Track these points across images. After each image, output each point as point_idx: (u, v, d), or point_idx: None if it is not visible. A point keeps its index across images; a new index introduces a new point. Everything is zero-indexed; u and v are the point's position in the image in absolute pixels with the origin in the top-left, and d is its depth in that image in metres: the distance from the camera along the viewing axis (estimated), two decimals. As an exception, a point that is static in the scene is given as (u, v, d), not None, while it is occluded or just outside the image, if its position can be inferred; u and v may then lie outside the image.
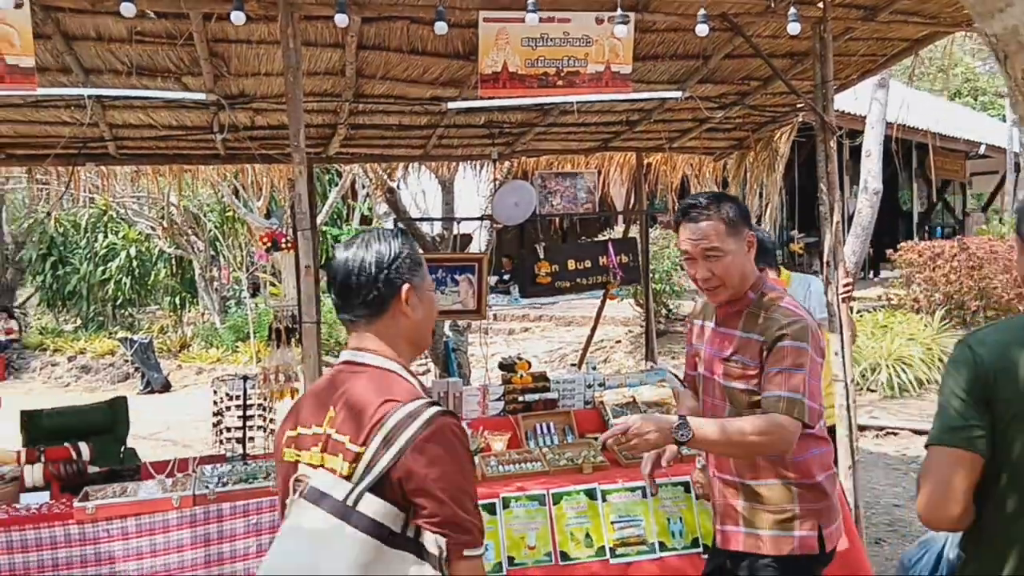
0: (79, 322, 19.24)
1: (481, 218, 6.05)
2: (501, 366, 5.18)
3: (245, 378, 4.35)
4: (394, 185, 7.35)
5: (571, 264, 5.87)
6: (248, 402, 4.39)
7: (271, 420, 4.54)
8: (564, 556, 3.91)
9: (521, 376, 4.90)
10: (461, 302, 5.44)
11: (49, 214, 17.12)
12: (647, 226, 6.62)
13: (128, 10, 3.30)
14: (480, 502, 3.81)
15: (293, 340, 4.00)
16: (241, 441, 4.41)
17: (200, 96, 4.57)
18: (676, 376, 5.40)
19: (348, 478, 1.75)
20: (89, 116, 4.66)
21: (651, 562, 3.98)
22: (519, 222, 5.49)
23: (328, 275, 1.95)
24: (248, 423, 4.39)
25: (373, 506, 1.72)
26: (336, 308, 1.96)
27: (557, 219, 7.26)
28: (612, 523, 4.03)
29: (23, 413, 5.36)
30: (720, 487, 2.84)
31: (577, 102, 4.94)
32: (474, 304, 5.49)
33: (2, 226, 20.61)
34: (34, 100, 4.53)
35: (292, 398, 4.01)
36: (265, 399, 4.22)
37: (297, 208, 3.77)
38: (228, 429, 4.45)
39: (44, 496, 3.84)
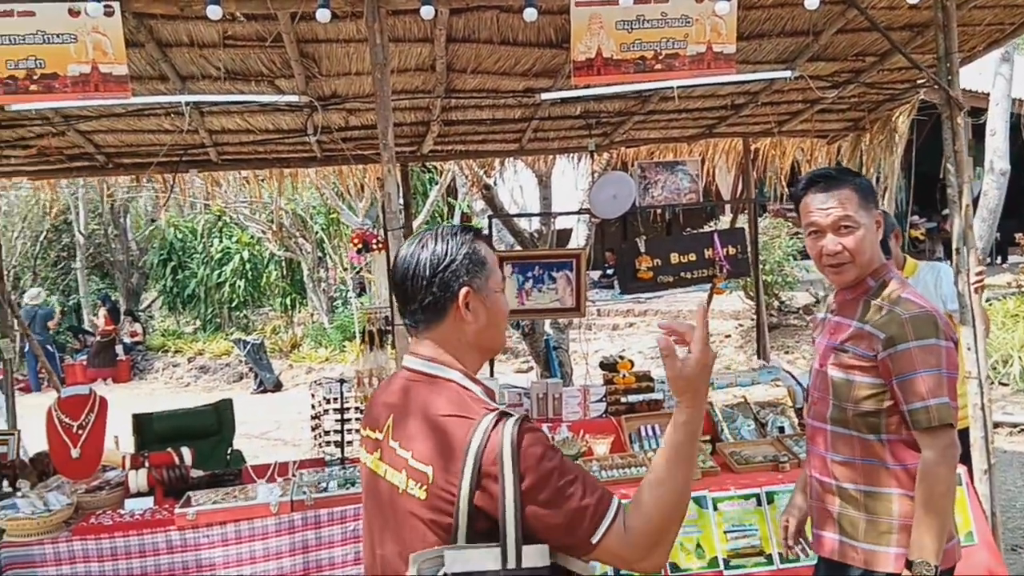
0: (198, 324, 20.02)
1: (579, 212, 5.86)
2: (602, 365, 4.99)
3: (341, 381, 4.30)
4: (490, 181, 7.24)
5: (674, 257, 5.61)
6: (345, 405, 4.34)
7: (368, 424, 4.48)
8: (674, 567, 3.72)
9: (624, 376, 4.70)
10: (559, 300, 5.27)
11: (153, 220, 17.84)
12: (756, 215, 6.27)
13: (215, 12, 3.26)
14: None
15: (387, 343, 3.92)
16: (339, 444, 4.36)
17: (293, 98, 4.56)
18: (791, 374, 5.09)
19: (428, 505, 1.63)
20: (188, 123, 4.71)
21: (769, 574, 3.75)
22: (618, 215, 5.27)
23: (389, 276, 1.84)
24: (345, 426, 4.34)
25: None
26: (400, 312, 1.85)
27: (659, 211, 6.98)
28: (725, 533, 3.81)
29: (135, 417, 5.49)
30: (817, 489, 2.59)
31: (678, 87, 4.70)
32: (573, 302, 5.30)
33: (127, 233, 21.69)
34: (136, 109, 4.61)
35: (387, 402, 3.93)
36: (360, 403, 4.15)
37: (387, 208, 3.68)
38: (326, 432, 4.42)
39: (148, 501, 3.89)
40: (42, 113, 4.39)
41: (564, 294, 5.26)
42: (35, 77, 3.26)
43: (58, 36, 3.25)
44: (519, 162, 6.85)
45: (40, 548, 3.46)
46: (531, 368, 13.15)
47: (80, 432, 4.15)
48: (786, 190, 7.24)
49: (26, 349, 15.23)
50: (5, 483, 4.18)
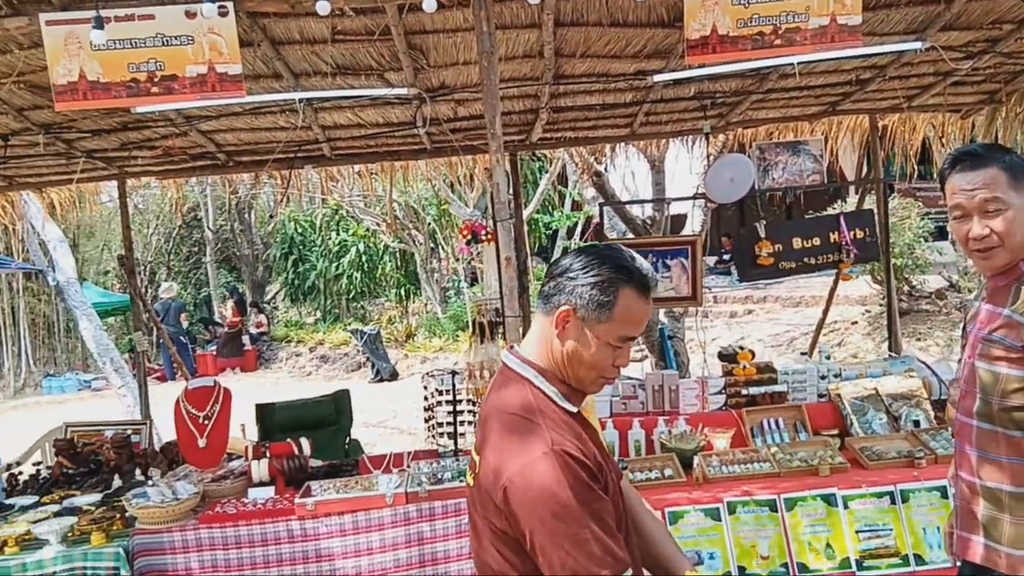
0: (318, 315, 20.67)
1: (694, 197, 5.66)
2: (721, 356, 4.81)
3: (453, 373, 4.29)
4: (601, 168, 7.10)
5: (797, 242, 5.34)
6: (457, 397, 4.33)
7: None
8: (803, 568, 3.56)
9: (744, 367, 4.50)
10: (674, 288, 5.10)
11: (272, 216, 18.43)
12: (885, 196, 5.91)
13: (323, 8, 3.28)
14: (701, 507, 3.51)
15: (498, 334, 3.87)
16: (452, 436, 4.36)
17: (402, 91, 4.56)
18: (925, 364, 4.77)
19: (472, 492, 1.78)
20: (302, 119, 4.80)
21: None
22: (736, 199, 5.05)
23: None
24: (458, 418, 4.33)
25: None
26: None
27: (779, 194, 6.68)
28: (857, 533, 3.62)
29: (258, 406, 5.66)
30: (964, 489, 2.38)
31: (798, 63, 4.45)
32: (688, 290, 5.12)
33: (251, 228, 22.61)
34: (252, 108, 4.72)
35: (498, 395, 3.89)
36: (472, 395, 4.13)
37: (496, 198, 3.63)
38: (439, 424, 4.42)
39: (270, 491, 3.98)
40: (165, 115, 4.54)
41: (679, 282, 5.09)
42: (156, 79, 3.35)
43: (176, 38, 3.33)
44: (631, 147, 6.68)
45: (169, 535, 3.59)
46: (645, 358, 12.92)
47: (206, 423, 4.29)
48: (916, 168, 6.83)
49: (161, 341, 16.13)
50: (138, 471, 4.38)
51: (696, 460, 3.91)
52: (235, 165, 5.73)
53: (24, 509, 3.93)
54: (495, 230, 3.80)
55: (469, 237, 3.83)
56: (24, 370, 18.88)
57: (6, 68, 3.64)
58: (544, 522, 1.58)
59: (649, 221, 7.29)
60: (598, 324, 1.72)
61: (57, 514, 3.79)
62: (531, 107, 5.18)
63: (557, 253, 18.39)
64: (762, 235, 5.22)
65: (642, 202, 7.23)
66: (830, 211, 10.00)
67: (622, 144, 6.47)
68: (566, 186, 15.61)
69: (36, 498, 4.12)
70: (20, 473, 4.58)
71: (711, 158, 6.01)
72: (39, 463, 4.86)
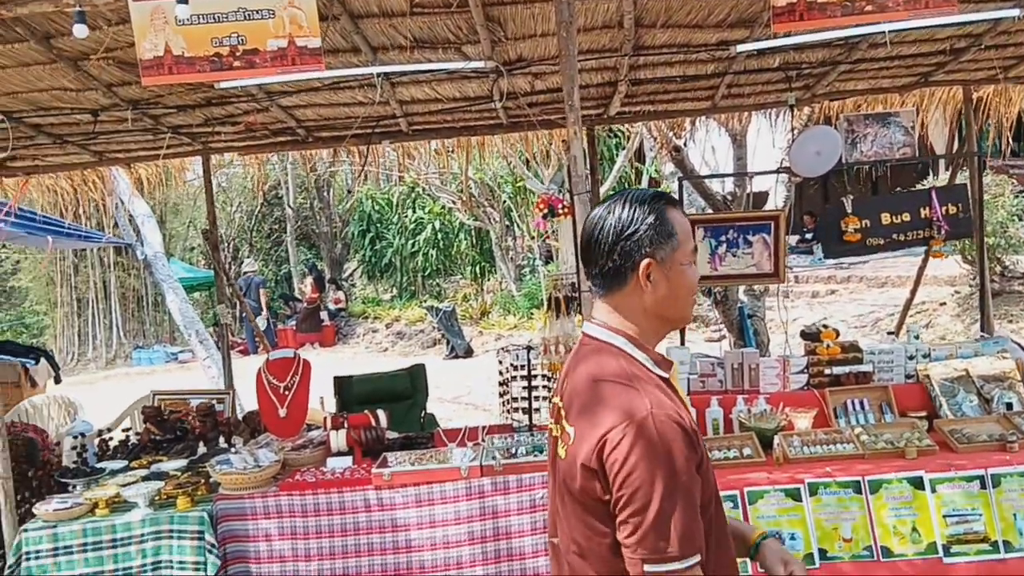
0: (394, 292, 20.94)
1: (777, 171, 5.49)
2: (803, 335, 4.67)
3: (528, 348, 4.27)
4: (680, 143, 6.95)
5: (885, 218, 5.13)
6: (532, 372, 4.31)
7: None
8: (886, 552, 3.45)
9: (828, 346, 4.36)
10: (756, 264, 4.96)
11: (350, 191, 18.62)
12: (980, 170, 5.63)
13: (401, -20, 3.27)
14: (782, 487, 3.42)
15: (573, 310, 3.83)
16: (527, 411, 4.35)
17: (479, 64, 4.53)
18: (1020, 345, 4.55)
19: (566, 465, 1.71)
20: (380, 94, 4.81)
21: (995, 563, 3.44)
22: (821, 174, 4.87)
23: (576, 239, 1.83)
24: (532, 393, 4.32)
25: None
26: (585, 272, 1.83)
27: (865, 169, 6.43)
28: (944, 517, 3.49)
29: (336, 379, 5.75)
30: None
31: (889, 31, 4.25)
32: (770, 266, 4.98)
33: (330, 206, 23.00)
34: (331, 83, 4.75)
35: (574, 370, 3.85)
36: (547, 370, 4.10)
37: (573, 171, 3.58)
38: (514, 399, 4.41)
39: (347, 461, 4.04)
40: (247, 90, 4.61)
41: (761, 259, 4.94)
42: (238, 53, 3.39)
43: (257, 12, 3.36)
44: (711, 121, 6.52)
45: (251, 501, 3.68)
46: (723, 337, 12.70)
47: (286, 393, 4.38)
48: (1010, 144, 6.49)
49: (243, 315, 16.58)
50: (221, 439, 4.50)
51: (776, 440, 3.81)
52: (314, 141, 5.80)
53: (114, 473, 4.08)
54: (571, 204, 3.75)
55: (545, 211, 3.79)
56: (115, 342, 19.69)
57: (95, 44, 3.73)
58: (633, 483, 1.54)
59: (730, 197, 7.10)
60: (673, 254, 1.71)
61: (145, 478, 3.93)
62: (609, 80, 5.09)
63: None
64: (849, 210, 5.03)
65: (723, 176, 7.03)
66: (919, 187, 9.62)
67: (703, 118, 6.31)
68: (643, 163, 15.40)
69: (125, 463, 4.27)
70: (111, 439, 4.76)
71: (795, 132, 5.82)
72: (128, 429, 5.04)
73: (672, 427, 1.57)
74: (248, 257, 20.73)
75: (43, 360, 8.45)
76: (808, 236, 15.56)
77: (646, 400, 1.60)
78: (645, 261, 1.69)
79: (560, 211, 3.77)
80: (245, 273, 18.33)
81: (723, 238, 4.94)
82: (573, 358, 1.81)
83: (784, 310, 7.35)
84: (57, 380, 8.37)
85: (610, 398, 1.62)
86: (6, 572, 3.63)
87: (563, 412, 1.75)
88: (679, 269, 1.72)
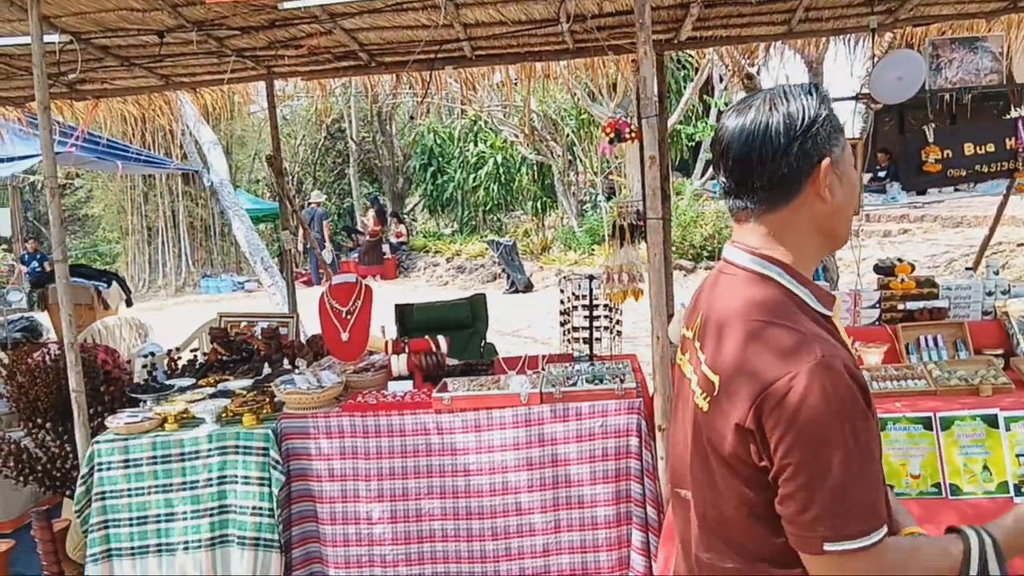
0: (455, 226, 21.00)
1: (856, 97, 5.21)
2: (877, 269, 4.50)
3: (591, 277, 4.20)
4: (753, 71, 6.68)
5: (968, 148, 4.85)
6: (595, 302, 4.24)
7: (617, 321, 4.37)
8: (955, 490, 3.35)
9: (902, 280, 4.19)
10: (830, 196, 4.76)
11: (412, 117, 18.46)
12: (1075, 100, 5.29)
13: None
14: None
15: (638, 238, 3.74)
16: (588, 341, 4.30)
17: (546, -18, 4.38)
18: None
19: (708, 418, 1.44)
20: (443, 16, 4.69)
21: None
22: (903, 100, 4.62)
23: (715, 151, 1.50)
24: (595, 323, 4.26)
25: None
26: (726, 192, 1.51)
27: (946, 100, 6.07)
28: (1017, 456, 3.37)
29: (397, 307, 5.78)
30: None
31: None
32: (845, 199, 4.77)
33: (393, 140, 23.02)
34: (395, 3, 4.65)
35: (636, 299, 3.78)
36: (609, 299, 4.03)
37: (642, 93, 3.45)
38: (575, 329, 4.36)
39: (408, 385, 4.06)
40: (310, 11, 4.55)
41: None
42: (300, -32, 3.32)
43: (319, -76, 3.27)
44: (787, 47, 6.23)
45: (314, 421, 3.73)
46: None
47: (348, 317, 4.40)
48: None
49: (308, 246, 16.84)
50: (286, 361, 4.56)
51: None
52: (377, 66, 5.73)
53: (183, 390, 4.18)
54: (639, 128, 3.63)
55: (612, 135, 3.67)
56: (184, 270, 20.23)
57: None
58: (804, 449, 1.29)
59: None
60: (842, 153, 1.45)
61: (212, 396, 4.01)
62: (681, 1, 4.88)
63: (699, 168, 17.82)
64: (930, 139, 4.77)
65: (798, 103, 6.74)
66: (1006, 117, 9.11)
67: (778, 43, 6.04)
68: (712, 95, 14.97)
69: (193, 380, 4.37)
70: (179, 358, 4.87)
71: (875, 59, 5.53)
72: (196, 350, 5.15)
73: (846, 378, 1.30)
74: (314, 190, 20.92)
75: (115, 283, 8.73)
76: (881, 174, 15.02)
77: (815, 346, 1.32)
78: (825, 162, 1.41)
79: (627, 135, 3.65)
80: (310, 204, 18.56)
81: (796, 168, 4.74)
82: (711, 289, 1.55)
83: (853, 249, 7.11)
84: (128, 303, 8.63)
85: (769, 344, 1.35)
86: (80, 482, 3.77)
87: (700, 354, 1.49)
88: (850, 173, 1.47)
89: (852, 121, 6.93)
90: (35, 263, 14.07)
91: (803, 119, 1.40)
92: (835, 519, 1.29)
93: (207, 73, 5.82)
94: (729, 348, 1.40)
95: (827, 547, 1.30)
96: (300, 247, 16.33)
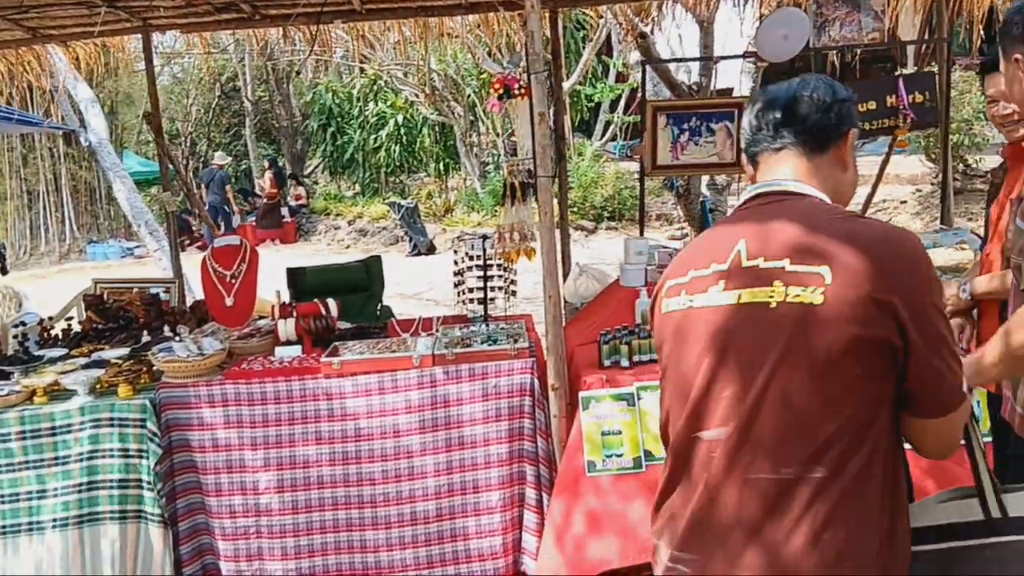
0: (357, 188, 20.57)
1: (744, 56, 5.28)
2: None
3: (484, 237, 4.15)
4: (646, 30, 6.70)
5: (852, 108, 4.99)
6: (488, 262, 4.20)
7: (511, 281, 4.34)
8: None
9: (787, 238, 4.29)
10: (717, 154, 4.83)
11: (298, 73, 17.71)
12: (949, 59, 5.48)
13: None
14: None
15: (529, 197, 3.69)
16: (482, 302, 4.26)
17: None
18: (978, 235, 4.52)
19: (828, 310, 1.48)
20: (328, -34, 4.51)
21: None
22: (789, 58, 4.70)
23: (762, 101, 1.72)
24: (489, 284, 4.22)
25: None
26: (764, 136, 1.70)
27: (832, 59, 6.23)
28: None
29: (289, 271, 5.59)
30: None
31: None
32: (732, 156, 4.85)
33: (291, 99, 22.31)
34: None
35: (529, 259, 3.74)
36: (502, 259, 3.99)
37: (530, 48, 3.38)
38: (470, 290, 4.32)
39: (296, 350, 3.94)
40: (184, -42, 4.30)
41: (723, 148, 4.82)
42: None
43: None
44: (678, 6, 6.27)
45: (195, 390, 3.58)
46: (685, 236, 12.70)
47: (233, 281, 4.24)
48: (982, 38, 6.33)
49: (206, 207, 16.25)
50: (167, 328, 4.37)
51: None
52: (261, 18, 5.46)
53: (53, 361, 3.94)
54: (528, 85, 3.57)
55: (501, 91, 3.59)
56: (68, 236, 19.22)
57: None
58: (938, 307, 1.48)
59: (695, 87, 6.91)
60: (853, 140, 1.70)
61: (85, 367, 3.80)
62: (572, -44, 4.83)
63: (599, 128, 17.93)
64: (815, 99, 4.87)
65: (688, 60, 6.80)
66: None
67: (669, 2, 6.07)
68: (611, 56, 15.02)
69: (65, 351, 4.13)
70: (53, 328, 4.60)
71: (763, 19, 5.61)
72: (71, 319, 4.88)
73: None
74: (218, 151, 20.09)
75: (-13, 251, 8.19)
76: (775, 135, 15.41)
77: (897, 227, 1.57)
78: (853, 131, 1.68)
79: (516, 91, 3.58)
80: (212, 165, 17.85)
81: (685, 126, 4.79)
82: (745, 218, 1.66)
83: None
84: (4, 271, 8.14)
85: (868, 228, 1.52)
86: (-58, 461, 3.53)
87: (768, 263, 1.54)
88: (853, 160, 1.71)
89: (740, 80, 7.05)
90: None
91: (841, 91, 1.67)
92: (950, 372, 1.50)
93: (77, 25, 5.45)
94: (825, 243, 1.50)
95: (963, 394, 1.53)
96: (196, 210, 15.74)
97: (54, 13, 5.05)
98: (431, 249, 14.88)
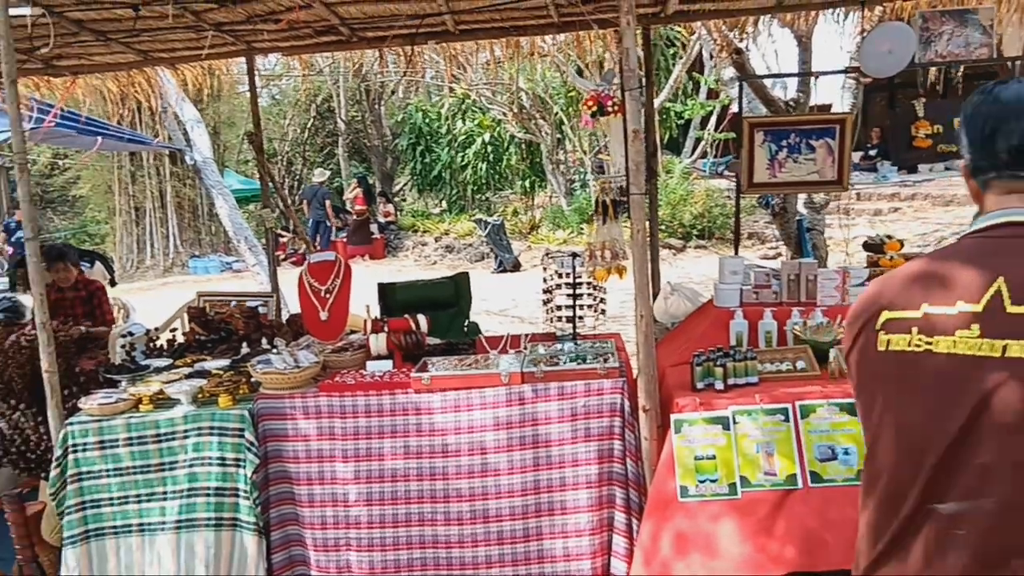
0: (444, 205, 20.85)
1: (846, 71, 5.13)
2: (866, 246, 4.45)
3: (574, 255, 4.12)
4: (742, 45, 6.59)
5: (958, 123, 4.78)
6: (578, 280, 4.17)
7: (600, 299, 4.30)
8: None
9: (891, 258, 4.14)
10: (818, 171, 4.69)
11: (392, 92, 18.08)
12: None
13: None
14: (835, 401, 3.26)
15: (621, 215, 3.66)
16: (571, 320, 4.24)
17: (529, -46, 4.27)
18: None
19: None
20: (425, -12, 4.59)
21: None
22: (892, 74, 4.54)
23: (995, 116, 1.51)
24: (578, 302, 4.19)
25: None
26: (991, 153, 1.50)
27: (933, 75, 5.99)
28: None
29: (380, 286, 5.69)
30: None
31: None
32: (833, 173, 4.71)
33: (382, 119, 22.82)
34: (375, -24, 4.55)
35: (620, 277, 3.70)
36: (591, 277, 3.96)
37: (625, 65, 3.36)
38: (558, 308, 4.29)
39: (387, 364, 3.99)
40: (288, -18, 4.44)
41: (824, 165, 4.68)
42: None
43: None
44: (776, 21, 6.14)
45: (291, 401, 3.66)
46: (778, 255, 12.41)
47: (327, 296, 4.32)
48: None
49: (308, 222, 16.78)
50: (265, 340, 4.49)
51: (832, 353, 3.65)
52: (358, 41, 5.61)
53: (158, 371, 4.10)
54: (623, 101, 3.55)
55: (595, 108, 3.58)
56: (172, 251, 20.05)
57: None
58: None
59: (792, 104, 6.76)
60: None
61: (188, 376, 3.93)
62: (667, -27, 4.79)
63: (689, 145, 17.72)
64: (920, 114, 4.70)
65: (788, 76, 6.64)
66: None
67: (767, 17, 5.95)
68: (701, 73, 14.85)
69: (170, 361, 4.29)
70: (158, 338, 4.79)
71: (864, 33, 5.45)
72: (176, 330, 5.07)
73: None
74: (317, 167, 20.72)
75: (98, 263, 8.60)
76: (872, 152, 14.96)
77: None
78: None
79: (610, 108, 3.56)
80: (313, 183, 18.44)
81: (784, 143, 4.67)
82: (1011, 250, 1.43)
83: (846, 228, 7.07)
84: (112, 283, 8.51)
85: None
86: (54, 464, 3.69)
87: (1011, 311, 1.35)
88: None
89: (841, 97, 6.84)
90: (20, 233, 13.91)
91: None
92: None
93: (186, 48, 5.70)
94: None
95: None
96: (291, 226, 16.25)
97: (164, 37, 5.29)
98: (516, 266, 14.93)
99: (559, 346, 4.05)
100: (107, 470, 3.66)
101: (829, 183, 4.79)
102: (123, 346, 4.55)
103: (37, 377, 3.99)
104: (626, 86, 3.39)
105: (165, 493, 3.63)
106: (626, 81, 3.38)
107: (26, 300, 8.86)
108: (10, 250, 14.28)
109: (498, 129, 18.70)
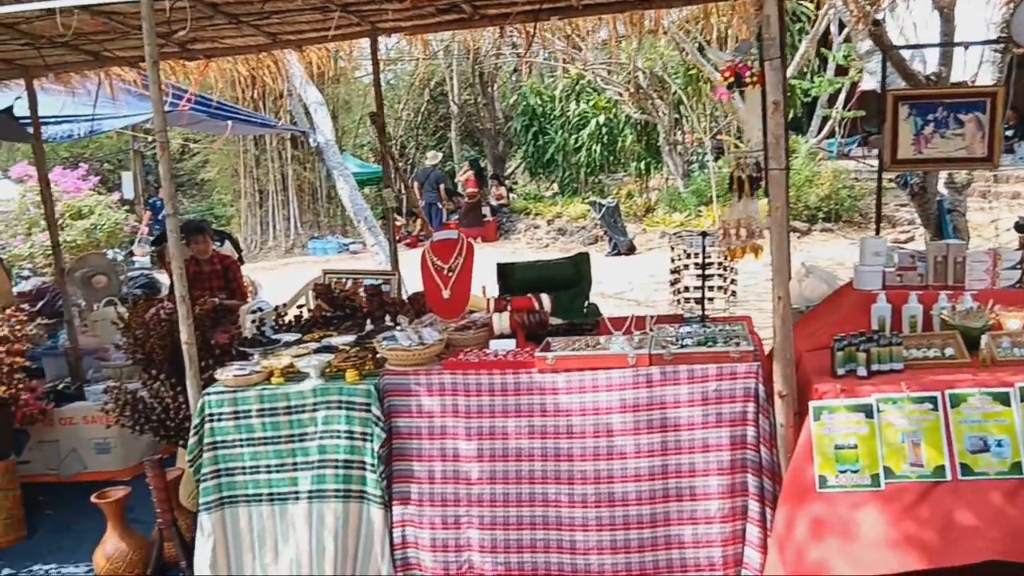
0: (556, 188, 20.75)
1: (996, 41, 4.76)
2: (1018, 227, 4.13)
3: (704, 234, 3.98)
4: (879, 17, 6.21)
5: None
6: (707, 260, 4.03)
7: (732, 280, 4.14)
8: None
9: (1049, 240, 3.81)
10: (966, 148, 4.38)
11: (515, 70, 18.08)
12: None
13: None
14: (988, 390, 3.05)
15: (758, 191, 3.49)
16: (700, 302, 4.10)
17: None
18: None
19: None
20: (549, -38, 4.51)
21: None
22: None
23: None
24: (707, 283, 4.05)
25: None
26: None
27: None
28: None
29: (499, 266, 5.66)
30: None
31: None
32: (983, 150, 4.38)
33: (494, 102, 22.90)
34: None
35: (756, 256, 3.54)
36: (725, 257, 3.81)
37: (765, 33, 3.20)
38: (686, 289, 4.16)
39: (510, 343, 3.96)
40: (413, -40, 4.43)
41: (973, 141, 4.36)
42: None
43: None
44: (915, -9, 5.77)
45: (416, 378, 3.67)
46: (910, 239, 11.77)
47: (450, 274, 4.31)
48: None
49: (422, 204, 17.08)
50: (388, 318, 4.53)
51: (984, 340, 3.40)
52: (480, 18, 5.57)
53: (288, 345, 4.19)
54: (762, 71, 3.38)
55: (731, 80, 3.43)
56: (293, 232, 20.75)
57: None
58: None
59: (934, 78, 6.34)
60: None
61: (316, 351, 4.01)
62: (805, -62, 4.54)
63: (815, 124, 17.02)
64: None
65: (935, 46, 6.22)
66: None
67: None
68: (829, 48, 14.19)
69: (298, 336, 4.38)
70: (286, 314, 4.90)
71: (1013, 4, 5.05)
72: (302, 306, 5.19)
73: None
74: (430, 150, 21.04)
75: (227, 243, 8.95)
76: (1008, 133, 14.01)
77: None
78: None
79: (748, 79, 3.40)
80: (426, 165, 18.73)
81: (930, 117, 4.37)
82: None
83: (981, 211, 6.58)
84: (241, 262, 8.83)
85: None
86: (192, 432, 3.83)
87: None
88: None
89: (982, 74, 6.34)
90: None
91: None
92: None
93: (312, 30, 5.80)
94: None
95: None
96: (413, 207, 16.59)
97: (293, 19, 5.39)
98: (631, 249, 14.72)
99: (687, 328, 3.92)
100: (240, 440, 3.77)
101: (979, 160, 4.46)
102: (253, 321, 4.69)
103: (176, 348, 4.16)
104: (766, 55, 3.24)
105: (295, 464, 3.72)
106: (766, 50, 3.22)
107: (161, 277, 9.32)
108: (144, 229, 15.04)
109: (613, 110, 18.43)
